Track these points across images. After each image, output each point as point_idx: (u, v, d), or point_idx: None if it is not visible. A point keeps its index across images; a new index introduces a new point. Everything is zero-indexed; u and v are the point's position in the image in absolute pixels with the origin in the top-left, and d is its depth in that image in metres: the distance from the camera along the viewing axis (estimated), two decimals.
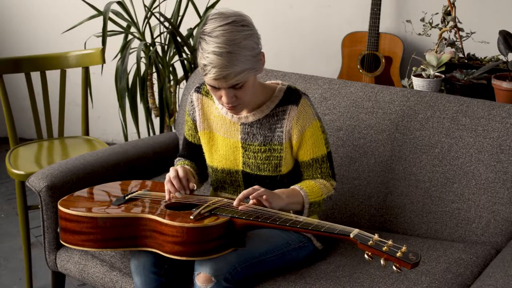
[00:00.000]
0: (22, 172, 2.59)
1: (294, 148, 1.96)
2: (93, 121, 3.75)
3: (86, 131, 3.00)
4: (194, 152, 2.12)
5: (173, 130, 3.14)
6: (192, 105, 2.07)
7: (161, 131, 3.27)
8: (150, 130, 3.31)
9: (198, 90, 2.07)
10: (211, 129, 2.04)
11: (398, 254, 1.52)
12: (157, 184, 2.16)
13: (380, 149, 2.20)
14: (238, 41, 1.75)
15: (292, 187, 1.92)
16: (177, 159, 2.17)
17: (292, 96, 1.94)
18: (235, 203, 1.82)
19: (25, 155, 2.79)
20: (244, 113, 1.96)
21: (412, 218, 2.16)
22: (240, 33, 1.76)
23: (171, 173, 1.92)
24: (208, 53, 1.75)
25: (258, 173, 1.97)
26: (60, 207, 1.94)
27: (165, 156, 2.66)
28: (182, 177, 1.91)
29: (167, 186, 1.92)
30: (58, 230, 2.25)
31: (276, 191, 1.84)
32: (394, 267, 1.53)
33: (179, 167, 1.95)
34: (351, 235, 1.62)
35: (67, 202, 1.98)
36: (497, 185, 2.02)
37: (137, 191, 2.05)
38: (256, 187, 1.80)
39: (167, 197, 1.92)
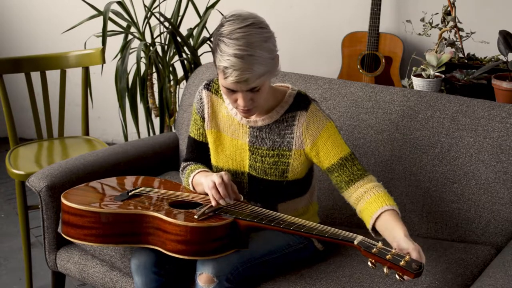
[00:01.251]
0: (22, 172, 2.59)
1: (311, 154, 1.91)
2: (93, 121, 3.75)
3: (86, 131, 3.00)
4: (204, 153, 2.06)
5: (173, 130, 3.14)
6: (201, 102, 2.03)
7: (161, 131, 3.27)
8: (150, 130, 3.31)
9: (208, 87, 2.03)
10: (218, 128, 2.01)
11: (401, 263, 1.52)
12: (149, 179, 2.15)
13: (380, 149, 2.20)
14: (258, 43, 1.72)
15: (385, 213, 1.75)
16: (185, 164, 2.08)
17: (301, 102, 1.91)
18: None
19: (25, 155, 2.79)
20: (253, 117, 1.94)
21: (412, 218, 2.16)
22: (259, 35, 1.74)
23: (216, 179, 1.84)
24: (228, 56, 1.71)
25: (264, 177, 1.96)
26: (63, 200, 1.93)
27: (165, 156, 2.66)
28: (228, 183, 1.85)
29: (212, 192, 1.84)
30: (59, 230, 2.25)
31: (399, 234, 1.67)
32: (397, 276, 1.53)
33: (224, 173, 1.87)
34: (355, 242, 1.62)
35: (70, 195, 1.98)
36: (497, 185, 2.02)
37: (140, 187, 2.05)
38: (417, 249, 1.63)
39: (213, 204, 1.85)
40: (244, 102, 1.79)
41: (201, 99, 2.03)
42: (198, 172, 1.98)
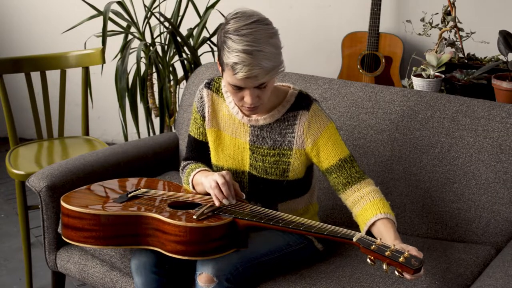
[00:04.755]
0: (22, 172, 2.59)
1: (311, 154, 1.91)
2: (93, 121, 3.75)
3: (86, 131, 3.00)
4: (204, 152, 2.06)
5: (173, 130, 3.15)
6: (202, 101, 2.02)
7: (161, 131, 3.27)
8: (150, 130, 3.31)
9: (208, 86, 2.02)
10: (219, 127, 2.01)
11: (401, 259, 1.52)
12: (154, 181, 2.15)
13: (380, 149, 2.20)
14: (265, 39, 1.73)
15: (379, 221, 1.76)
16: (185, 163, 2.08)
17: (303, 101, 1.92)
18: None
19: (25, 155, 2.79)
20: (254, 116, 1.94)
21: (412, 218, 2.16)
22: (266, 31, 1.75)
23: (219, 179, 1.83)
24: (237, 52, 1.71)
25: (265, 176, 1.96)
26: (62, 203, 1.94)
27: (165, 156, 2.66)
28: (230, 182, 1.85)
29: (214, 192, 1.84)
30: (58, 230, 2.25)
31: (394, 242, 1.67)
32: (396, 272, 1.53)
33: (226, 172, 1.86)
34: (354, 239, 1.62)
35: (69, 198, 1.98)
36: (497, 185, 2.02)
37: (139, 188, 2.05)
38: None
39: (217, 203, 1.84)
40: (252, 99, 1.79)
41: (201, 97, 2.02)
42: (198, 171, 1.97)
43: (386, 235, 1.72)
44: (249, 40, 1.72)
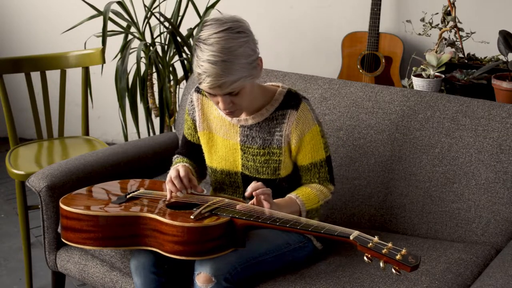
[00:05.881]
0: (22, 172, 2.59)
1: (293, 152, 1.96)
2: (93, 121, 3.75)
3: (86, 131, 3.00)
4: (192, 151, 2.12)
5: (173, 130, 3.14)
6: (192, 105, 2.07)
7: (161, 131, 3.27)
8: (150, 130, 3.31)
9: (198, 90, 2.07)
10: (210, 129, 2.04)
11: (398, 257, 1.52)
12: (156, 182, 2.16)
13: (380, 149, 2.20)
14: (233, 49, 1.73)
15: (288, 195, 1.92)
16: (175, 156, 2.17)
17: (292, 100, 1.94)
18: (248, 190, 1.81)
19: (25, 155, 2.79)
20: (243, 116, 1.96)
21: (412, 218, 2.16)
22: (235, 40, 1.74)
23: (172, 173, 1.92)
24: (202, 62, 1.74)
25: (257, 175, 1.97)
26: (61, 205, 1.94)
27: (165, 156, 2.65)
28: (183, 176, 1.91)
29: (168, 186, 1.92)
30: (59, 230, 2.25)
31: (274, 201, 1.83)
32: (393, 270, 1.53)
33: (181, 166, 1.95)
34: (351, 237, 1.62)
35: (68, 200, 1.98)
36: (497, 185, 2.02)
37: (138, 189, 2.05)
38: (260, 184, 1.80)
39: (168, 197, 1.92)
40: (224, 104, 1.82)
41: (191, 101, 2.07)
42: (177, 166, 2.01)
43: (280, 202, 1.85)
44: (215, 50, 1.72)
